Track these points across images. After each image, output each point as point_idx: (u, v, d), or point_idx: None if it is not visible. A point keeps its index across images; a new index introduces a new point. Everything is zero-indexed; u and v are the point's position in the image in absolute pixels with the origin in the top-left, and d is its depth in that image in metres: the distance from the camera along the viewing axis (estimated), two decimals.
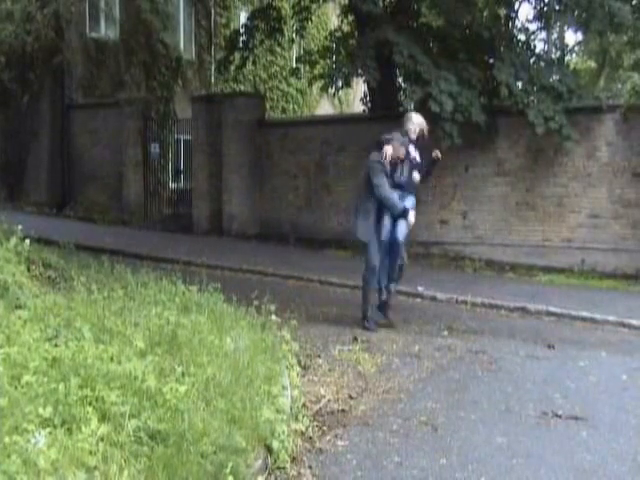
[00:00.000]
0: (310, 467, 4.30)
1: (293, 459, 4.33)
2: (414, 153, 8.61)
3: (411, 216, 8.37)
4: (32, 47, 19.16)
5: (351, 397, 5.66)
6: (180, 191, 19.35)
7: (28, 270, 7.41)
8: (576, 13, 15.19)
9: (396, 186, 8.40)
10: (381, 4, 15.39)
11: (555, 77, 14.30)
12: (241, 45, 17.73)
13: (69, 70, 19.92)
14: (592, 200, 13.29)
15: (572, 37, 29.28)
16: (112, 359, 4.52)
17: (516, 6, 17.27)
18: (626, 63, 22.54)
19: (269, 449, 4.15)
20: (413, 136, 8.71)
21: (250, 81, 24.57)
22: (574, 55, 26.07)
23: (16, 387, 3.89)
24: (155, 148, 18.87)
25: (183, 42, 22.98)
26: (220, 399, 4.36)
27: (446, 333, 8.19)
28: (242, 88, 23.04)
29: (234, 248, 14.81)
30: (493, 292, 10.62)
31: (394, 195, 8.28)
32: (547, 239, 13.70)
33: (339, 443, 4.72)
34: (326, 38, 18.25)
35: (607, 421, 5.39)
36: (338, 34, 16.67)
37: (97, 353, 4.57)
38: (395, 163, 8.39)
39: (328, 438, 4.79)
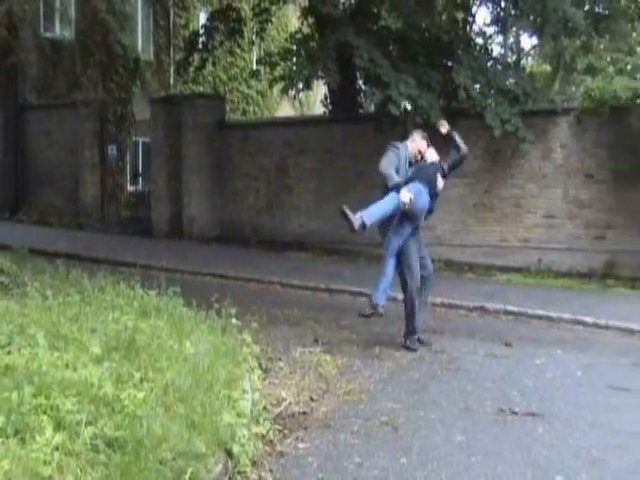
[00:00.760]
0: (271, 470, 4.30)
1: (254, 463, 4.32)
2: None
3: (403, 195, 7.59)
4: None
5: (312, 399, 5.67)
6: (139, 194, 19.14)
7: None
8: (531, 18, 15.46)
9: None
10: (341, 6, 15.45)
11: (511, 80, 14.52)
12: (200, 46, 17.63)
13: (23, 70, 19.65)
14: (547, 201, 13.51)
15: (528, 41, 29.80)
16: (67, 366, 4.46)
17: (474, 10, 17.49)
18: (580, 67, 22.90)
19: (229, 453, 4.14)
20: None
21: (210, 83, 24.46)
22: (530, 59, 26.42)
23: None
24: (112, 150, 18.65)
25: (141, 43, 22.79)
26: (179, 404, 4.33)
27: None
28: (202, 90, 22.92)
29: (194, 251, 14.73)
30: (452, 292, 10.72)
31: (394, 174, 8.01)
32: (504, 239, 13.87)
33: (300, 445, 4.73)
34: (286, 40, 18.24)
35: (562, 417, 5.49)
36: (298, 36, 16.67)
37: (52, 360, 4.50)
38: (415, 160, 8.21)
39: (289, 441, 4.79)
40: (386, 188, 7.92)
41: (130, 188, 19.51)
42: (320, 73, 14.42)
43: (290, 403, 5.50)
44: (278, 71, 16.49)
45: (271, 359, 6.71)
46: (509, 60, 20.02)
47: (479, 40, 17.15)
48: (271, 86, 17.42)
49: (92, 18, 19.86)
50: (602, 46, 22.09)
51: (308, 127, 16.74)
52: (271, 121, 20.99)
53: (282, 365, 6.55)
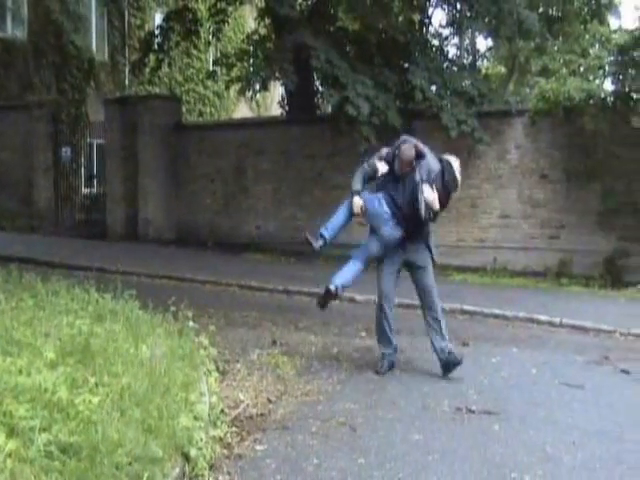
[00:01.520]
0: (229, 473, 4.28)
1: (211, 466, 4.29)
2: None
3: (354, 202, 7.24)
4: None
5: (270, 401, 5.65)
6: (94, 196, 18.93)
7: None
8: (486, 20, 15.64)
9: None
10: (298, 8, 15.45)
11: (467, 82, 14.69)
12: (156, 47, 17.51)
13: None
14: (503, 201, 13.71)
15: (483, 43, 30.18)
16: (21, 371, 4.38)
17: (430, 12, 17.63)
18: (534, 68, 23.26)
19: (187, 457, 4.10)
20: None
21: (166, 84, 24.29)
22: (485, 60, 26.71)
23: None
24: (66, 152, 18.40)
25: (96, 43, 22.53)
26: (136, 408, 4.28)
27: (364, 334, 8.26)
28: (157, 91, 22.77)
29: (150, 254, 14.60)
30: (410, 292, 10.75)
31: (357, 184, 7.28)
32: (461, 239, 14.02)
33: (258, 448, 4.71)
34: (243, 41, 18.18)
35: (518, 414, 5.56)
36: (255, 37, 16.65)
37: (4, 366, 4.42)
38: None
39: (247, 443, 4.77)
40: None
41: (85, 190, 19.29)
42: (277, 74, 14.42)
43: (248, 405, 5.48)
44: (235, 72, 16.47)
45: (228, 361, 6.67)
46: (465, 62, 20.27)
47: (435, 42, 17.37)
48: (228, 87, 17.37)
49: (45, 18, 19.60)
50: (556, 48, 22.47)
51: (265, 128, 16.72)
52: (228, 122, 20.92)
53: (240, 367, 6.52)
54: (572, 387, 6.38)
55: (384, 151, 7.14)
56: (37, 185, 18.43)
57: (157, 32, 17.81)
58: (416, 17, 17.70)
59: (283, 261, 14.35)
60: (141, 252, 14.84)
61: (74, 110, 19.10)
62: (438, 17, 58.79)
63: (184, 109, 21.29)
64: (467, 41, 24.23)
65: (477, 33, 21.90)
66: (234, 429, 4.97)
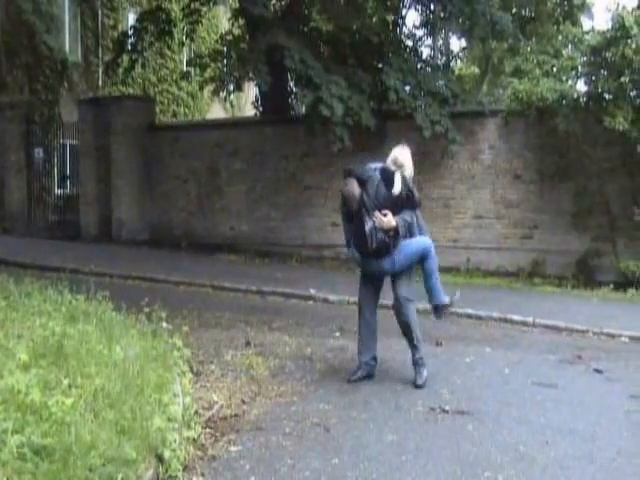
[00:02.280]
0: (203, 474, 4.26)
1: (185, 467, 4.27)
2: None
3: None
4: None
5: (244, 402, 5.64)
6: (67, 197, 18.79)
7: None
8: (460, 20, 15.75)
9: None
10: (272, 8, 15.46)
11: (441, 82, 14.79)
12: (129, 47, 17.44)
13: None
14: (476, 201, 13.80)
15: (457, 43, 30.35)
16: None
17: (403, 12, 17.71)
18: (507, 69, 23.40)
19: (160, 458, 4.08)
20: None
21: (139, 84, 24.13)
22: (459, 61, 26.84)
23: None
24: (39, 153, 18.26)
25: (69, 44, 22.30)
26: (109, 410, 4.26)
27: (338, 334, 8.27)
28: (131, 91, 22.61)
29: (124, 255, 14.51)
30: (383, 293, 10.79)
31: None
32: (434, 240, 13.76)
33: (232, 449, 4.70)
34: (217, 41, 18.16)
35: (491, 414, 5.59)
36: (229, 37, 16.63)
37: None
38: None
39: (221, 444, 4.76)
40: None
41: (58, 191, 19.15)
42: (251, 74, 14.43)
43: (222, 406, 5.46)
44: (209, 73, 16.44)
45: (202, 362, 6.65)
46: (438, 62, 20.33)
47: (409, 42, 17.48)
48: (202, 88, 17.35)
49: (17, 18, 19.37)
50: (529, 48, 22.62)
51: (239, 129, 16.70)
52: (202, 123, 20.86)
53: (213, 368, 6.50)
54: (545, 386, 6.43)
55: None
56: (9, 186, 18.25)
57: (130, 32, 17.73)
58: (390, 18, 17.75)
59: (257, 262, 14.33)
60: (114, 253, 14.76)
61: (47, 111, 18.95)
62: (412, 18, 59.06)
63: (158, 110, 21.15)
64: (441, 42, 24.32)
65: (451, 34, 22.06)
66: (208, 430, 4.95)
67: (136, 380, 4.83)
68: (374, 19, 17.62)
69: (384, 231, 6.17)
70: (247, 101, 23.89)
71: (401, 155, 6.27)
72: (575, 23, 21.77)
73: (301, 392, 5.99)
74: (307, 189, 15.33)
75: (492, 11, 14.71)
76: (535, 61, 20.37)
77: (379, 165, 6.42)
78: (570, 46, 20.64)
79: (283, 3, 16.37)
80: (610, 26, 12.34)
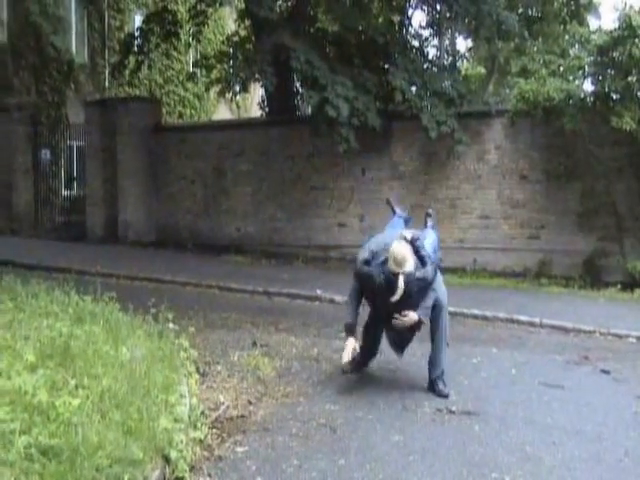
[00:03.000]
0: (209, 475, 4.27)
1: (192, 468, 4.28)
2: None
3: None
4: None
5: (250, 402, 5.64)
6: (73, 198, 18.85)
7: None
8: (466, 21, 15.73)
9: None
10: (277, 9, 15.46)
11: (447, 82, 14.74)
12: (136, 49, 17.46)
13: None
14: (482, 201, 13.76)
15: (463, 44, 30.34)
16: (0, 374, 4.36)
17: (409, 13, 17.68)
18: (513, 69, 23.35)
19: (167, 459, 4.09)
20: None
21: (146, 85, 24.19)
22: (465, 61, 26.79)
23: None
24: (46, 154, 18.32)
25: (75, 45, 22.38)
26: (116, 411, 4.27)
27: (344, 335, 8.24)
28: (137, 92, 22.67)
29: (130, 256, 14.54)
30: None
31: None
32: (440, 240, 14.00)
33: (238, 449, 4.70)
34: (223, 42, 18.18)
35: (498, 415, 5.59)
36: (235, 39, 16.65)
37: None
38: None
39: (227, 445, 4.77)
40: None
41: (65, 193, 19.21)
42: (257, 75, 14.42)
43: (228, 407, 5.47)
44: (215, 74, 16.46)
45: (209, 363, 6.66)
46: (445, 62, 20.32)
47: (415, 42, 17.39)
48: (208, 89, 17.37)
49: (24, 20, 19.45)
50: (535, 48, 22.57)
51: (245, 130, 16.71)
52: (208, 124, 20.87)
53: (220, 369, 6.50)
54: (552, 387, 6.42)
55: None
56: (16, 187, 18.31)
57: (137, 34, 17.75)
58: (396, 18, 17.74)
59: (263, 263, 14.34)
60: (121, 254, 14.78)
61: (54, 112, 19.01)
62: (418, 18, 58.98)
63: (164, 111, 21.21)
64: (447, 42, 24.29)
65: (457, 34, 22.03)
66: (214, 431, 4.96)
67: (143, 381, 4.84)
68: (380, 19, 17.63)
69: (408, 329, 6.00)
70: (253, 102, 23.93)
71: (400, 253, 5.78)
72: (582, 23, 21.70)
73: (307, 393, 5.99)
74: (313, 190, 15.33)
75: (498, 11, 14.69)
76: (542, 61, 20.32)
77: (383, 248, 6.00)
78: (577, 46, 20.58)
79: (289, 4, 16.38)
80: (617, 25, 12.29)
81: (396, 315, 5.83)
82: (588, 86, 13.39)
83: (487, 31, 15.24)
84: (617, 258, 12.48)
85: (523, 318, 9.50)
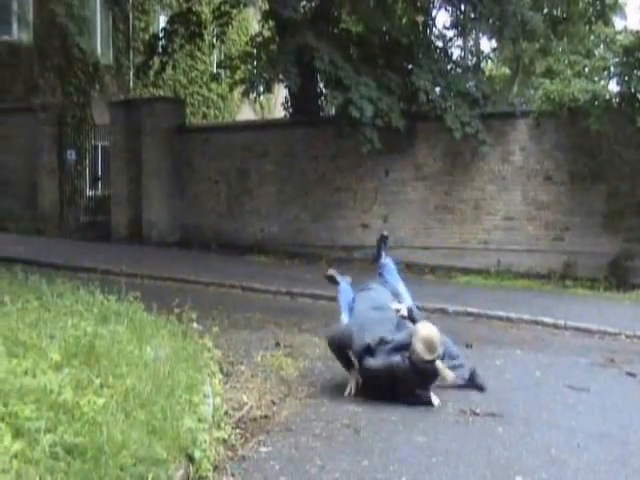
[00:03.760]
0: (233, 475, 4.28)
1: (215, 468, 4.29)
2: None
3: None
4: None
5: (274, 403, 5.65)
6: (98, 198, 18.98)
7: None
8: (490, 21, 15.63)
9: None
10: (301, 10, 15.47)
11: (471, 83, 14.69)
12: (160, 50, 17.57)
13: None
14: (507, 203, 13.69)
15: (487, 44, 30.18)
16: (26, 373, 4.39)
17: (433, 13, 17.63)
18: (538, 70, 23.22)
19: (191, 459, 4.10)
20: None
21: (170, 86, 24.30)
22: (489, 62, 26.67)
23: None
24: (71, 155, 18.46)
25: (100, 46, 22.54)
26: (140, 410, 4.28)
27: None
28: (162, 93, 22.76)
29: (154, 255, 14.61)
30: (413, 294, 10.67)
31: None
32: (465, 241, 14.01)
33: (262, 449, 4.71)
34: (247, 43, 18.23)
35: (522, 417, 5.55)
36: (259, 39, 16.69)
37: (10, 367, 4.42)
38: None
39: (251, 445, 4.77)
40: None
41: (89, 193, 19.34)
42: (281, 76, 14.44)
43: (252, 407, 5.48)
44: (238, 74, 16.51)
45: (232, 363, 6.67)
46: (469, 63, 20.24)
47: (439, 43, 17.34)
48: (231, 89, 17.44)
49: (50, 22, 19.61)
50: (560, 49, 22.41)
51: (269, 130, 16.74)
52: (232, 124, 20.96)
53: (243, 369, 6.52)
54: (577, 390, 6.37)
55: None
56: (42, 187, 18.48)
57: (161, 35, 17.86)
58: (419, 19, 17.68)
59: (287, 263, 14.36)
60: (145, 254, 14.86)
61: (79, 113, 19.13)
62: (442, 19, 58.80)
63: (188, 111, 21.30)
64: (471, 42, 24.19)
65: (481, 34, 21.88)
66: (238, 431, 4.97)
67: (167, 380, 4.86)
68: (404, 20, 17.59)
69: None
70: (277, 103, 23.96)
71: (430, 338, 5.58)
72: (607, 23, 21.52)
73: (331, 393, 5.98)
74: (337, 190, 15.32)
75: (523, 11, 14.61)
76: (567, 61, 20.14)
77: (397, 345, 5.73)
78: (602, 46, 20.40)
79: (313, 5, 16.38)
80: None
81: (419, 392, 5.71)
82: (614, 87, 13.31)
83: (512, 31, 15.15)
84: None
85: (547, 320, 9.44)
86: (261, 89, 15.27)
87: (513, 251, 13.52)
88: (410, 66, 14.77)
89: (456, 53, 20.67)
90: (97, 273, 10.99)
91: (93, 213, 18.74)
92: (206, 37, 18.78)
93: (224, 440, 4.70)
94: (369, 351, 5.75)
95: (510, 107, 14.44)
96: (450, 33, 19.07)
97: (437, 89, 14.18)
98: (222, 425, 4.89)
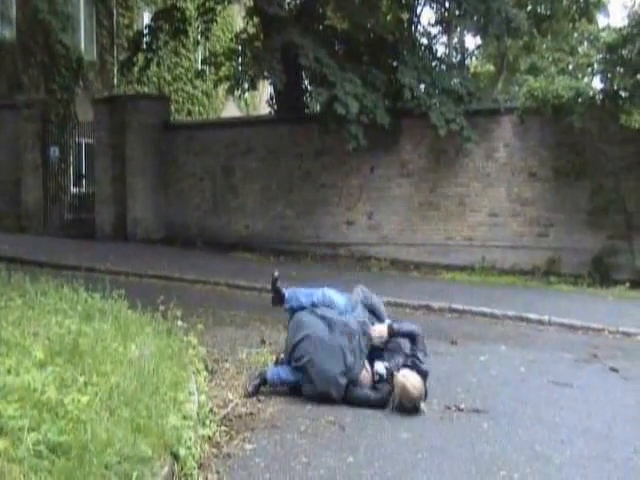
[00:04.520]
0: (218, 472, 4.27)
1: (200, 465, 4.28)
2: None
3: None
4: None
5: (259, 400, 5.64)
6: (82, 196, 18.88)
7: None
8: (475, 18, 15.69)
9: None
10: (286, 7, 15.46)
11: (456, 80, 14.74)
12: (145, 46, 17.49)
13: None
14: (491, 199, 13.75)
15: (472, 41, 30.25)
16: (9, 371, 4.36)
17: (418, 10, 17.65)
18: (522, 67, 23.31)
19: (175, 456, 4.09)
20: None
21: (154, 83, 24.20)
22: (474, 59, 26.75)
23: None
24: (55, 152, 18.34)
25: (84, 43, 22.39)
26: (124, 408, 4.27)
27: None
28: (146, 90, 22.67)
29: (139, 253, 14.56)
30: (398, 291, 10.80)
31: None
32: (449, 238, 14.06)
33: (247, 447, 4.70)
34: (231, 40, 18.20)
35: (506, 412, 5.57)
36: (244, 36, 16.66)
37: None
38: None
39: (236, 442, 4.77)
40: None
41: (73, 190, 19.23)
42: (265, 73, 14.43)
43: (237, 404, 5.47)
44: (223, 71, 16.48)
45: (217, 361, 6.66)
46: (453, 60, 20.28)
47: (424, 40, 17.38)
48: (216, 86, 17.39)
49: (33, 18, 19.49)
50: (544, 46, 22.52)
51: (254, 127, 16.72)
52: (216, 121, 20.89)
53: (228, 366, 6.51)
54: (561, 385, 6.40)
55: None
56: (26, 185, 18.34)
57: (146, 31, 17.78)
58: (404, 16, 17.72)
59: (272, 260, 14.34)
60: (130, 251, 14.81)
61: (63, 110, 19.04)
62: (427, 16, 58.95)
63: (173, 108, 21.22)
64: (455, 39, 24.24)
65: (466, 31, 21.94)
66: (223, 428, 4.97)
67: (151, 378, 4.84)
68: (389, 17, 17.62)
69: None
70: (262, 99, 23.91)
71: (416, 388, 5.51)
72: (591, 20, 21.63)
73: None
74: (322, 187, 15.33)
75: (507, 8, 14.66)
76: (550, 59, 20.28)
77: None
78: (586, 43, 20.56)
79: (298, 2, 16.37)
80: (626, 23, 12.25)
81: None
82: (597, 84, 13.41)
83: (496, 28, 15.19)
84: (626, 256, 12.46)
85: (532, 316, 9.48)
86: (246, 86, 15.26)
87: (497, 247, 13.59)
88: (395, 63, 14.80)
89: (441, 50, 20.76)
90: (81, 271, 10.96)
91: (77, 210, 18.64)
92: (191, 34, 18.74)
93: (209, 437, 4.70)
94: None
95: (494, 104, 14.47)
96: (435, 30, 19.16)
97: (422, 86, 14.20)
98: (207, 422, 4.88)
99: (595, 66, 13.33)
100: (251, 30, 16.99)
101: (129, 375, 4.75)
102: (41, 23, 19.37)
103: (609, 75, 12.50)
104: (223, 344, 7.33)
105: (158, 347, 5.64)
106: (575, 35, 22.15)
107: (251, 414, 5.32)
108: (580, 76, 13.73)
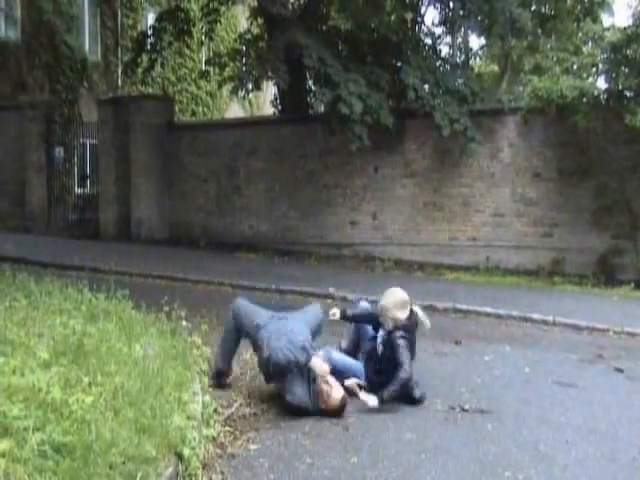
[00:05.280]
0: (222, 473, 4.28)
1: (204, 465, 4.29)
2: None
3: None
4: None
5: (263, 400, 5.65)
6: (86, 196, 18.88)
7: None
8: (479, 18, 15.68)
9: None
10: (290, 7, 15.46)
11: (460, 80, 14.72)
12: (149, 47, 17.51)
13: None
14: (496, 199, 13.73)
15: (476, 41, 30.23)
16: (14, 371, 4.36)
17: (422, 10, 17.64)
18: (526, 67, 23.31)
19: (180, 456, 4.09)
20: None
21: (158, 84, 24.23)
22: (478, 59, 26.76)
23: None
24: (59, 152, 18.36)
25: (88, 43, 22.44)
26: (129, 408, 4.27)
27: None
28: (150, 91, 22.68)
29: (143, 253, 14.56)
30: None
31: None
32: (454, 238, 14.04)
33: (251, 447, 4.71)
34: (235, 40, 18.18)
35: (511, 413, 5.57)
36: (248, 37, 16.65)
37: None
38: None
39: (240, 443, 4.77)
40: None
41: (78, 190, 19.25)
42: (269, 73, 14.41)
43: (241, 405, 5.48)
44: (227, 72, 16.47)
45: None
46: (457, 60, 20.30)
47: (428, 40, 17.37)
48: (220, 87, 17.38)
49: (38, 19, 19.54)
50: (548, 46, 22.48)
51: (258, 128, 16.71)
52: (220, 122, 20.89)
53: (233, 367, 6.51)
54: (565, 385, 6.40)
55: None
56: (30, 185, 18.37)
57: (150, 32, 17.80)
58: (408, 16, 17.71)
59: (276, 261, 14.34)
60: (134, 252, 14.81)
61: (67, 110, 19.04)
62: (430, 16, 58.88)
63: (177, 109, 21.27)
64: (460, 40, 24.26)
65: (470, 32, 21.98)
66: (227, 428, 4.97)
67: (156, 378, 4.85)
68: (392, 17, 17.61)
69: None
70: (266, 100, 23.94)
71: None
72: (595, 20, 21.57)
73: None
74: (326, 188, 15.32)
75: (511, 8, 14.63)
76: (555, 58, 20.23)
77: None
78: (590, 43, 20.48)
79: (301, 2, 16.38)
80: (631, 23, 12.22)
81: None
82: (601, 84, 13.38)
83: (500, 29, 15.18)
84: (631, 256, 12.44)
85: (536, 316, 9.46)
86: (250, 86, 15.24)
87: (502, 247, 13.57)
88: (399, 63, 14.77)
89: (445, 50, 20.75)
90: (85, 271, 10.96)
91: (81, 211, 18.65)
92: (195, 34, 18.76)
93: (213, 438, 4.70)
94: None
95: (499, 104, 14.44)
96: (439, 30, 19.13)
97: (426, 86, 14.19)
98: (211, 423, 4.89)
99: (599, 66, 13.31)
100: (255, 30, 16.98)
101: (133, 375, 4.75)
102: (46, 24, 19.44)
103: (613, 75, 12.48)
104: None
105: (162, 347, 5.65)
106: (579, 35, 22.08)
107: (255, 414, 5.33)
108: (584, 76, 13.69)
